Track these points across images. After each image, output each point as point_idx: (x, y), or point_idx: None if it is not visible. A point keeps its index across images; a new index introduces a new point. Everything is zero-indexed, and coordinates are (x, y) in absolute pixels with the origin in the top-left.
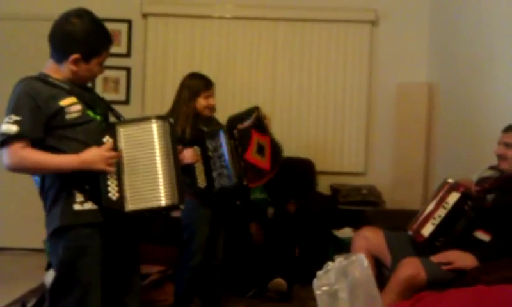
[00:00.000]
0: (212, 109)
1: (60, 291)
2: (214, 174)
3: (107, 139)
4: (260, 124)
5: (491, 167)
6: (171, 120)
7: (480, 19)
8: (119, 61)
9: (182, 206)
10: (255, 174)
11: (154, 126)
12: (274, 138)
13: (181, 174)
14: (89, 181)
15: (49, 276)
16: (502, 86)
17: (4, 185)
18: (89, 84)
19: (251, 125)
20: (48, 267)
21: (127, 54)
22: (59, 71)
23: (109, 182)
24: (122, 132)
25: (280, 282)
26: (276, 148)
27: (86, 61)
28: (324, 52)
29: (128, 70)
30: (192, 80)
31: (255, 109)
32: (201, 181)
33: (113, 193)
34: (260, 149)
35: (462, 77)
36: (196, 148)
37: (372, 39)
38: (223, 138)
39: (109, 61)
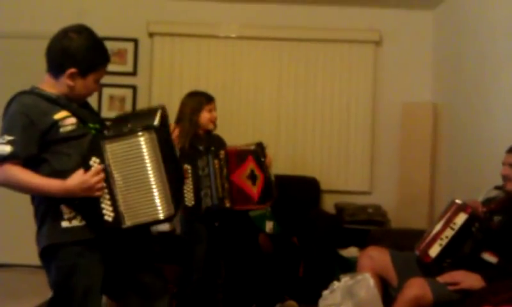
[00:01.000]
0: (215, 122)
1: None
2: (202, 193)
3: (93, 161)
4: (259, 158)
5: (497, 187)
6: (156, 123)
7: (484, 39)
8: (125, 79)
9: (176, 212)
10: (242, 197)
11: (141, 140)
12: (270, 178)
13: (174, 180)
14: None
15: None
16: (507, 106)
17: (9, 203)
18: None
19: (249, 150)
20: None
21: (133, 73)
22: (55, 87)
23: (102, 205)
24: (109, 148)
25: (292, 304)
26: (269, 186)
27: (83, 76)
28: (329, 72)
29: (134, 88)
30: (192, 97)
31: (259, 143)
32: (189, 200)
33: (108, 214)
34: (253, 177)
35: (466, 97)
36: (187, 166)
37: (376, 59)
38: (209, 158)
39: (115, 80)
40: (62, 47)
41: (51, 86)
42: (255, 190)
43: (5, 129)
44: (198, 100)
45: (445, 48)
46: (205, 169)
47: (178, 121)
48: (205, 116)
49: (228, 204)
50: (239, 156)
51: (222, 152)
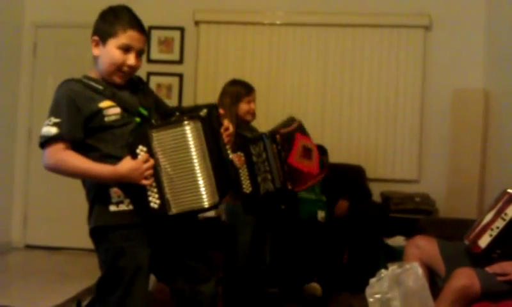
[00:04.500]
0: (253, 113)
1: (104, 290)
2: (259, 179)
3: (140, 149)
4: (304, 130)
5: None
6: (203, 113)
7: None
8: (172, 67)
9: (221, 201)
10: (302, 177)
11: (187, 129)
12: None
13: (219, 168)
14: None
15: None
16: None
17: (61, 186)
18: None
19: (294, 128)
20: None
21: (180, 61)
22: (95, 69)
23: (148, 192)
24: (156, 137)
25: (315, 287)
26: (320, 151)
27: (103, 43)
28: (376, 58)
29: (180, 76)
30: (233, 86)
31: (293, 118)
32: (247, 187)
33: (154, 201)
34: (307, 152)
35: None
36: (240, 153)
37: (425, 44)
38: (266, 143)
39: (162, 68)
40: (95, 23)
41: (95, 70)
42: (313, 164)
43: (52, 111)
44: (237, 90)
45: (498, 33)
46: (261, 154)
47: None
48: (243, 108)
49: (290, 187)
50: (287, 138)
51: (278, 136)
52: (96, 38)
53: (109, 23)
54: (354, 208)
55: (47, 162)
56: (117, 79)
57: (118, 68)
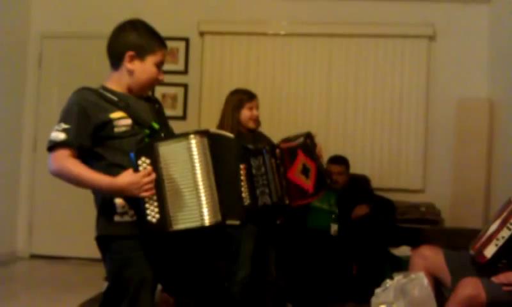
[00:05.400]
0: (256, 120)
1: (111, 301)
2: (258, 192)
3: (143, 161)
4: (309, 149)
5: None
6: (212, 131)
7: None
8: (176, 78)
9: (233, 222)
10: (298, 193)
11: (193, 143)
12: (322, 166)
13: (226, 190)
14: None
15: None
16: None
17: (66, 195)
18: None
19: (297, 145)
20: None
21: (185, 71)
22: (119, 80)
23: (147, 205)
24: (161, 150)
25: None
26: (321, 176)
27: (141, 59)
28: (380, 68)
29: (185, 86)
30: (234, 94)
31: (307, 133)
32: (245, 199)
33: (152, 215)
34: (305, 171)
35: None
36: (242, 165)
37: (429, 54)
38: (265, 157)
39: (167, 78)
40: (119, 37)
41: (115, 82)
42: (309, 183)
43: (62, 117)
44: (239, 97)
45: (501, 43)
46: (260, 168)
47: (222, 118)
48: (245, 114)
49: (287, 202)
50: (290, 153)
51: (278, 150)
52: (132, 53)
53: (146, 40)
54: (375, 215)
55: (51, 167)
56: (148, 92)
57: (153, 83)
